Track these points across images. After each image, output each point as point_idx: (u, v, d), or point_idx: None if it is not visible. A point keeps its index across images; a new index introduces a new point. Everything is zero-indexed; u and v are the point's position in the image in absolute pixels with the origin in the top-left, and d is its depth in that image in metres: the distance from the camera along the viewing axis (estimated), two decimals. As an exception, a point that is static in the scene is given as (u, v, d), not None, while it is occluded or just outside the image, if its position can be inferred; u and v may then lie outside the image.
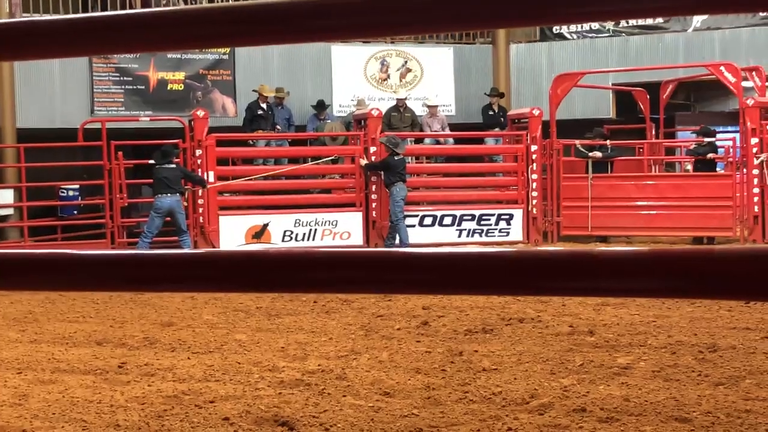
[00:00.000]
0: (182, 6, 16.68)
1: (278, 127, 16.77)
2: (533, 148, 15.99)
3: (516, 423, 5.72)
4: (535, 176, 16.00)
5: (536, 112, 16.13)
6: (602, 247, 1.46)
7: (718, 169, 16.43)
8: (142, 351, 8.06)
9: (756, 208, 15.02)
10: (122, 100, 17.01)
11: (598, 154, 16.18)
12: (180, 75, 17.38)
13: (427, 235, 15.45)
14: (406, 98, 17.76)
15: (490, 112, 18.09)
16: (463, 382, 6.68)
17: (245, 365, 7.36)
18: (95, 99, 16.84)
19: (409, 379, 6.79)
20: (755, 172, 15.05)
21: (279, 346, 8.12)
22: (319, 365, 7.29)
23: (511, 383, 6.62)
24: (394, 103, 17.65)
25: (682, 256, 1.50)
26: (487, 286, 1.75)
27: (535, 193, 15.97)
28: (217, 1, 15.89)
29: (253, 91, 16.79)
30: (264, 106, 16.68)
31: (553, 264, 1.60)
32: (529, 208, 15.98)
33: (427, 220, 15.65)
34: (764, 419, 5.68)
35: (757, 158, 15.02)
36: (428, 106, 17.87)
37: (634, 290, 1.66)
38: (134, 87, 17.09)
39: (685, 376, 6.70)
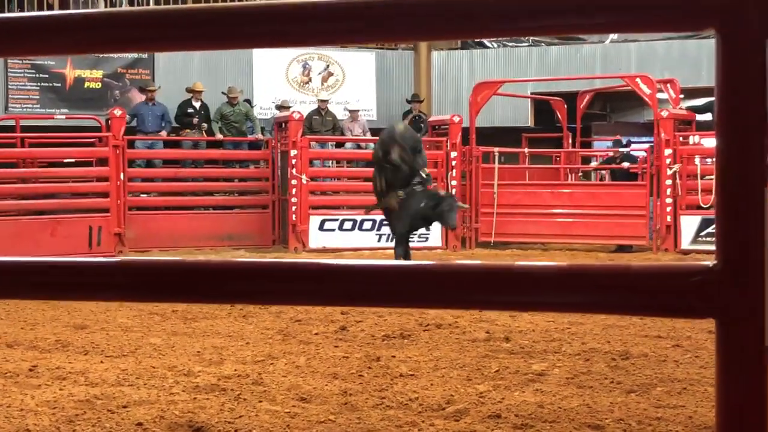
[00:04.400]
0: (102, 8, 16.41)
1: (195, 121, 16.46)
2: (453, 154, 16.11)
3: (432, 429, 5.74)
4: (454, 182, 16.11)
5: (456, 119, 16.26)
6: (521, 262, 1.47)
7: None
8: (54, 354, 7.89)
9: (668, 218, 15.36)
10: (38, 97, 16.69)
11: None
12: (98, 73, 17.11)
13: (346, 240, 15.45)
14: (327, 101, 17.73)
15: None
16: (380, 388, 6.68)
17: (160, 369, 7.25)
18: (9, 96, 16.49)
19: (326, 385, 6.77)
20: (668, 182, 15.38)
21: (195, 350, 8.02)
22: (235, 370, 7.22)
23: (427, 389, 6.64)
24: (315, 106, 17.61)
25: (599, 272, 1.52)
26: (404, 299, 1.74)
27: (454, 200, 16.08)
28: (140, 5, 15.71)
29: (187, 90, 16.54)
30: (196, 104, 16.47)
31: (472, 277, 1.60)
32: (448, 214, 16.07)
33: (347, 225, 15.64)
34: (674, 426, 5.78)
35: (671, 169, 15.36)
36: (349, 111, 17.86)
37: (551, 304, 1.67)
38: (50, 84, 16.78)
39: (598, 383, 6.80)
